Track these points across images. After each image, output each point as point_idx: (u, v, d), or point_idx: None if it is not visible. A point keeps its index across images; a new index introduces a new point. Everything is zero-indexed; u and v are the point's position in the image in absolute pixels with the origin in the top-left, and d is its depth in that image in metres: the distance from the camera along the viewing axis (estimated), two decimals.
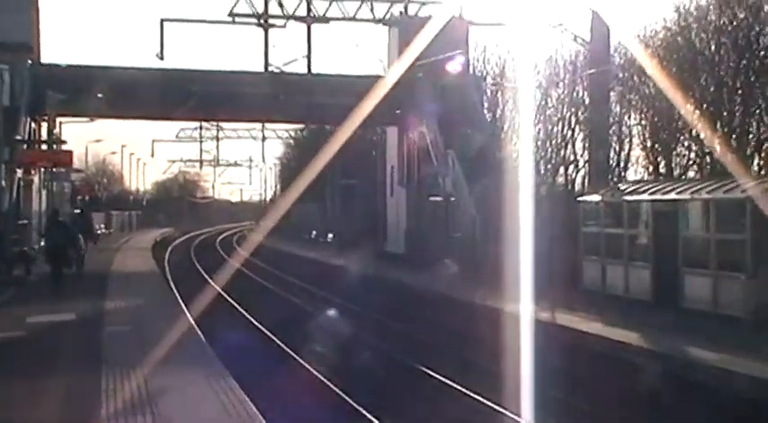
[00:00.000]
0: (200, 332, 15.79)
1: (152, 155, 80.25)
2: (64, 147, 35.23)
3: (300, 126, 61.11)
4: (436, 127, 35.73)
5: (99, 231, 57.37)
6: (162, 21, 34.76)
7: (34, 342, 14.78)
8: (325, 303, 25.56)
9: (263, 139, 69.32)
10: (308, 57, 36.03)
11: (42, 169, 35.68)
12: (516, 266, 19.72)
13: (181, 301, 22.43)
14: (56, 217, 26.08)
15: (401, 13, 36.72)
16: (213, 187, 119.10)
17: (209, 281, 30.13)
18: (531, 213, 23.57)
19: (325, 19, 35.42)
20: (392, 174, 42.48)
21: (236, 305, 24.51)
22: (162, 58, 34.75)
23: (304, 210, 64.64)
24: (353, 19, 35.84)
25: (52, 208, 32.53)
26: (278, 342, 17.90)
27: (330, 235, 52.80)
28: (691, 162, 35.04)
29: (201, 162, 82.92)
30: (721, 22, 31.65)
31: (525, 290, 19.27)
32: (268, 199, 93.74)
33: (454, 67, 33.27)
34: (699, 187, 20.09)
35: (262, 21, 34.74)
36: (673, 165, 35.51)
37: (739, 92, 31.28)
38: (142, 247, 48.27)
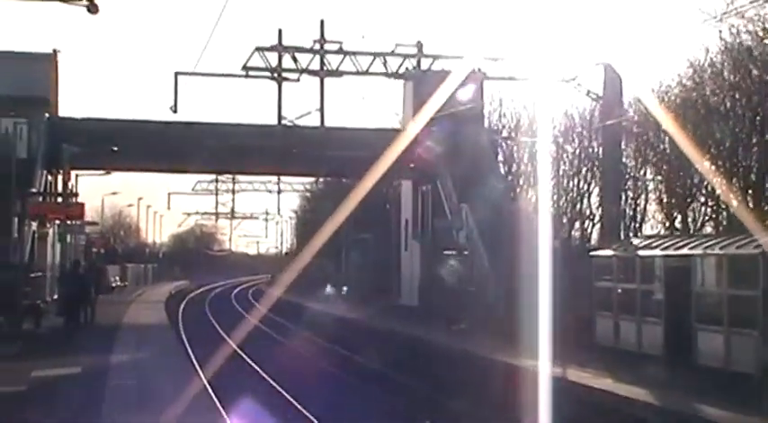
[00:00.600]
0: (208, 388, 15.67)
1: (168, 207, 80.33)
2: (78, 199, 35.51)
3: (314, 179, 61.31)
4: (450, 181, 35.74)
5: (114, 284, 57.65)
6: (176, 74, 35.15)
7: (35, 397, 14.71)
8: (341, 360, 25.40)
9: (279, 191, 69.81)
10: (321, 110, 36.30)
11: (57, 222, 35.87)
12: (530, 321, 19.66)
13: (192, 355, 22.35)
14: (76, 268, 27.17)
15: (414, 67, 37.04)
16: (230, 240, 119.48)
17: (222, 334, 30.03)
18: (545, 268, 23.55)
19: (338, 73, 35.74)
20: (406, 227, 42.48)
21: (249, 361, 24.26)
22: (176, 111, 35.08)
23: (319, 263, 64.77)
24: (366, 73, 36.15)
25: (74, 259, 32.77)
26: (291, 400, 17.58)
27: (344, 288, 52.71)
28: (707, 217, 34.96)
29: (217, 215, 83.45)
30: (735, 78, 31.72)
31: (538, 345, 19.21)
32: (284, 252, 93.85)
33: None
34: (712, 243, 19.96)
35: (275, 74, 35.12)
36: (689, 220, 35.45)
37: (755, 148, 31.24)
38: (156, 300, 48.30)
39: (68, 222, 35.61)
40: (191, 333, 29.62)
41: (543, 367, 18.17)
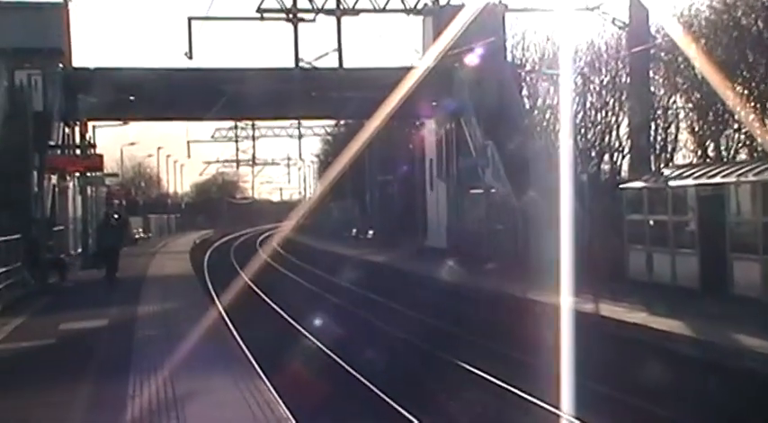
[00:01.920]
0: (235, 336, 15.75)
1: (188, 156, 79.51)
2: (96, 151, 35.63)
3: (336, 122, 61.19)
4: (474, 117, 35.50)
5: (137, 236, 58.10)
6: (189, 19, 34.94)
7: (64, 349, 15.04)
8: (364, 301, 25.47)
9: (300, 136, 69.80)
10: (339, 51, 35.63)
11: (76, 174, 36.07)
12: (560, 257, 19.60)
13: (219, 305, 22.48)
14: (108, 219, 28.68)
15: (433, 2, 36.63)
16: (252, 187, 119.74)
17: (250, 283, 30.10)
18: (573, 203, 23.49)
19: (354, 11, 35.43)
20: (431, 167, 42.41)
21: (277, 309, 24.21)
22: (191, 58, 34.82)
23: (344, 207, 64.92)
24: (384, 10, 35.49)
25: (105, 211, 32.72)
26: (323, 347, 17.55)
27: (371, 231, 52.89)
28: (741, 144, 34.64)
29: (238, 162, 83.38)
30: None
31: (568, 281, 19.11)
32: (308, 197, 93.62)
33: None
34: (745, 170, 19.83)
35: (290, 15, 34.82)
36: (722, 148, 35.15)
37: None
38: (180, 251, 48.70)
39: (88, 174, 35.74)
40: (218, 284, 29.74)
41: (570, 302, 18.10)
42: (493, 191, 34.20)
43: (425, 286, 27.93)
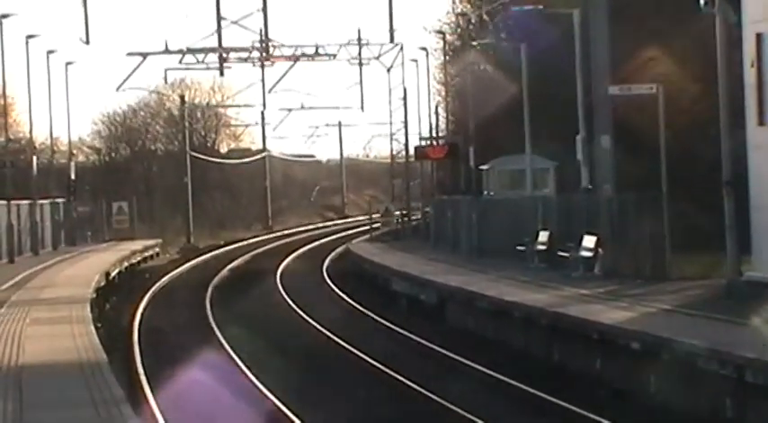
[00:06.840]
0: None
1: (86, 40, 71.95)
2: None
3: None
4: None
5: None
6: None
7: None
8: None
9: None
10: None
11: None
12: None
13: None
14: None
15: None
16: (262, 125, 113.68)
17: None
18: None
19: None
20: (760, 57, 39.54)
21: None
22: None
23: (512, 176, 67.55)
24: None
25: None
26: None
27: (586, 244, 45.91)
28: None
29: (223, 54, 75.64)
30: None
31: None
32: (413, 148, 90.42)
33: None
34: None
35: None
36: None
37: None
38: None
39: None
40: None
41: None
42: None
43: None
